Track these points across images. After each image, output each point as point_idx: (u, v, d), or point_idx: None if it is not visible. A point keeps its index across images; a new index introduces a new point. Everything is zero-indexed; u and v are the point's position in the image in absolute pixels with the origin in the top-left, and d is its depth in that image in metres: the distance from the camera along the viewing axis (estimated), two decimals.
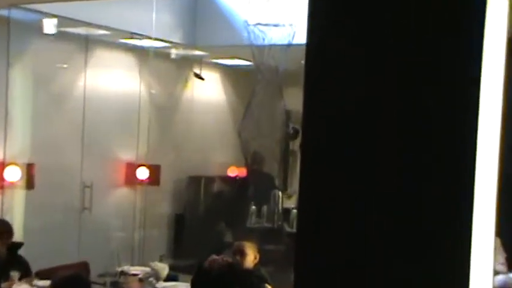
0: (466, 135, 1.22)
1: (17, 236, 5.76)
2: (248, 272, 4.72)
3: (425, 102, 1.26)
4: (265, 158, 8.07)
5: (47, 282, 4.21)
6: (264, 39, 7.27)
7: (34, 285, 4.44)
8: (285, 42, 7.20)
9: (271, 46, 7.28)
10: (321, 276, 1.31)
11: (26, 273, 4.51)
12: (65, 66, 8.00)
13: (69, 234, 7.94)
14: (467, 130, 1.22)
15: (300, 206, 1.41)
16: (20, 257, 4.65)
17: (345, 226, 1.30)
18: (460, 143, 1.23)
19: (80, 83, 8.13)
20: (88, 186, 8.18)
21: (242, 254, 5.01)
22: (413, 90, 1.28)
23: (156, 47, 8.72)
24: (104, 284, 4.78)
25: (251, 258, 5.07)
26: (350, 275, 1.29)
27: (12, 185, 7.17)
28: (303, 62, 1.58)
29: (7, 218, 6.70)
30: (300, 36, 6.86)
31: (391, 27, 1.31)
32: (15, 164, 7.15)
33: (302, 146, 1.48)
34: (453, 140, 1.23)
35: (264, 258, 7.32)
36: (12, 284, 4.33)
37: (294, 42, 7.07)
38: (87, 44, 8.13)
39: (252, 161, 8.02)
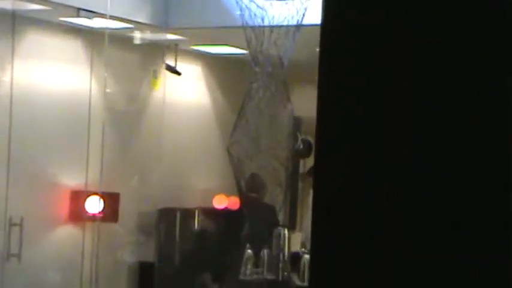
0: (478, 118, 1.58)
1: None
2: None
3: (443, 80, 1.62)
4: (266, 183, 8.16)
5: None
6: (263, 19, 7.35)
7: None
8: (293, 22, 7.30)
9: (274, 28, 7.35)
10: (334, 245, 1.69)
11: None
12: None
13: None
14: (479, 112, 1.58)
15: (314, 176, 1.73)
16: None
17: (356, 196, 1.67)
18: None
19: (5, 78, 8.12)
20: (16, 224, 8.15)
21: None
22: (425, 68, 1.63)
23: (113, 29, 8.71)
24: None
25: None
26: (361, 245, 1.66)
27: None
28: (317, 49, 1.69)
29: None
30: (313, 13, 6.80)
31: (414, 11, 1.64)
32: None
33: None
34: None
35: None
36: None
37: (305, 22, 7.18)
38: (13, 23, 8.07)
39: (248, 187, 8.11)
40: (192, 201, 9.94)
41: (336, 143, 1.71)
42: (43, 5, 7.84)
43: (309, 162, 9.31)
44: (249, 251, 8.15)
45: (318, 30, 1.68)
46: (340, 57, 1.68)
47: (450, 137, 1.62)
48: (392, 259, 1.64)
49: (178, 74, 9.47)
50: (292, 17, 7.27)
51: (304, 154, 8.71)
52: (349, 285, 1.69)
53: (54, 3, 7.78)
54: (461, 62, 1.63)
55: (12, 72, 8.09)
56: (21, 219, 8.14)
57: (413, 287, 1.64)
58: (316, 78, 1.68)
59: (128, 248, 9.59)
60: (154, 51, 9.51)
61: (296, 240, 8.88)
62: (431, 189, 1.62)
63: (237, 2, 7.39)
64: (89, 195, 8.75)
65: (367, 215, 1.66)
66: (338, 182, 1.70)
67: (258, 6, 7.29)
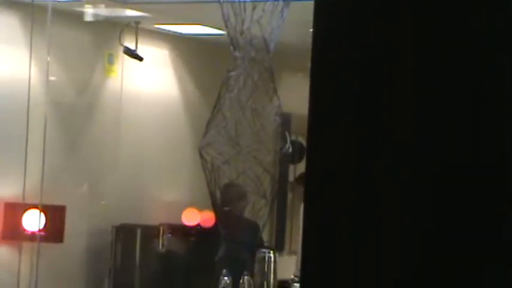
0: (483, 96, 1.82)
1: None
2: None
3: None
4: (247, 193, 8.16)
5: None
6: None
7: None
8: None
9: (257, 3, 7.33)
10: (328, 219, 1.92)
11: None
12: None
13: None
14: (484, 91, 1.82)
15: (308, 146, 1.91)
16: None
17: (351, 169, 1.89)
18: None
19: None
20: None
21: None
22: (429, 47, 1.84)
23: (59, 1, 8.80)
24: None
25: None
26: (356, 218, 1.90)
27: None
28: (311, 30, 1.80)
29: None
30: None
31: None
32: None
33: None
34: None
35: None
36: None
37: None
38: None
39: (225, 198, 8.11)
40: (155, 216, 10.02)
41: (330, 117, 1.87)
42: None
43: (300, 168, 9.27)
44: (226, 277, 8.01)
45: (311, 6, 1.74)
46: (337, 39, 1.78)
47: (449, 113, 1.83)
48: (388, 234, 1.87)
49: (140, 59, 9.46)
50: None
51: (294, 158, 8.73)
52: (344, 261, 1.90)
53: None
54: (463, 39, 1.83)
55: None
56: None
57: (409, 262, 1.85)
58: (309, 65, 1.73)
59: (76, 275, 9.65)
60: (110, 31, 9.54)
61: (284, 265, 8.80)
62: (432, 165, 1.85)
63: None
64: (27, 209, 8.78)
65: (362, 189, 1.88)
66: (332, 157, 1.88)
67: None
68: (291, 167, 9.79)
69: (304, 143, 8.42)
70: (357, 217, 1.90)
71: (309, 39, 1.74)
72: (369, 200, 1.90)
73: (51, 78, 8.99)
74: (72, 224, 9.10)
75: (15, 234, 8.86)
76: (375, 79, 1.87)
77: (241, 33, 7.33)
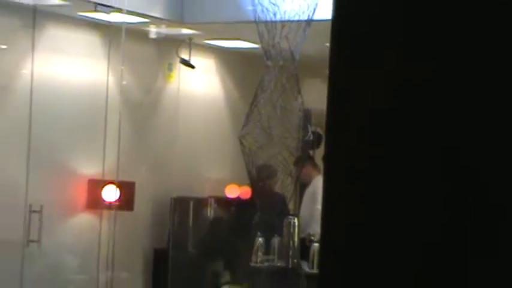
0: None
1: None
2: None
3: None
4: (277, 172, 8.15)
5: None
6: (275, 14, 7.32)
7: None
8: (304, 17, 7.25)
9: (285, 23, 7.33)
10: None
11: None
12: (4, 47, 8.09)
13: (8, 275, 7.98)
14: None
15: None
16: None
17: (366, 175, 1.65)
18: None
19: (25, 71, 8.15)
20: (36, 211, 8.16)
21: None
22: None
23: (130, 23, 8.73)
24: None
25: None
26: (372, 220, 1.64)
27: None
28: (327, 44, 1.67)
29: None
30: (324, 9, 6.81)
31: None
32: None
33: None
34: None
35: None
36: None
37: (316, 17, 7.15)
38: (35, 17, 8.10)
39: (260, 177, 8.10)
40: (205, 190, 9.96)
41: (344, 114, 1.70)
42: (62, 0, 7.86)
43: (318, 153, 9.14)
44: (260, 238, 8.13)
45: (328, 25, 1.66)
46: (351, 52, 1.66)
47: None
48: (408, 244, 1.62)
49: (192, 67, 9.45)
50: (303, 12, 7.23)
51: (314, 145, 8.65)
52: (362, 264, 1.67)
53: None
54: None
55: (32, 65, 8.11)
56: (41, 207, 8.14)
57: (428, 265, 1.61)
58: (326, 72, 1.66)
59: (143, 235, 9.62)
60: (169, 45, 9.49)
61: (304, 229, 8.60)
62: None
63: None
64: (105, 184, 8.78)
65: (377, 195, 1.65)
66: (348, 160, 1.68)
67: (270, 1, 7.27)
68: (312, 152, 9.62)
69: (321, 132, 8.47)
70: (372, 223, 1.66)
71: (326, 52, 1.64)
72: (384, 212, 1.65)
73: (124, 82, 8.99)
74: (140, 196, 9.12)
75: (96, 204, 8.86)
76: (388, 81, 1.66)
77: (273, 46, 7.33)
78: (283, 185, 8.18)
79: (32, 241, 8.14)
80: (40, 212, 8.15)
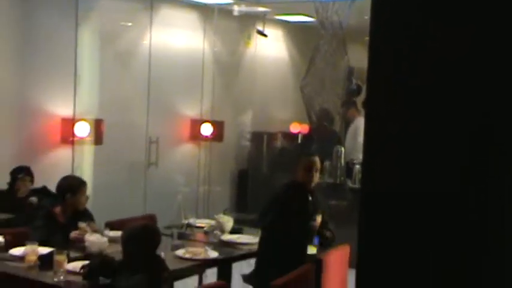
0: None
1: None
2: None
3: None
4: (331, 113, 8.10)
5: (118, 233, 4.36)
6: None
7: (105, 236, 4.61)
8: None
9: (335, 1, 7.29)
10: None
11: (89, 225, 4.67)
12: (130, 25, 8.06)
13: (135, 188, 8.08)
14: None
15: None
16: (86, 209, 4.82)
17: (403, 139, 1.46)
18: None
19: (145, 42, 8.18)
20: (154, 142, 8.26)
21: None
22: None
23: (220, 4, 8.76)
24: (171, 235, 4.90)
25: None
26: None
27: (81, 140, 7.32)
28: (366, 17, 1.63)
29: (77, 172, 6.95)
30: None
31: None
32: (85, 120, 7.28)
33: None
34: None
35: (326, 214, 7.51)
36: (81, 234, 4.50)
37: None
38: (152, 2, 8.15)
39: (318, 117, 8.05)
40: (275, 126, 9.93)
41: (384, 71, 1.54)
42: None
43: (359, 100, 8.93)
44: (317, 161, 8.17)
45: (368, 3, 1.58)
46: (386, 23, 1.55)
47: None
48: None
49: (266, 36, 9.39)
50: None
51: (356, 93, 8.46)
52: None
53: None
54: None
55: (150, 37, 8.19)
56: (157, 138, 8.26)
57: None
58: (367, 38, 1.58)
59: (230, 160, 9.66)
60: (248, 20, 9.40)
61: (348, 155, 8.52)
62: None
63: None
64: (202, 123, 8.85)
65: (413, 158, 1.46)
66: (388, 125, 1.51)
67: None
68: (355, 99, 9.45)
69: (361, 84, 8.31)
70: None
71: (367, 23, 1.54)
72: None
73: (215, 48, 9.07)
74: (227, 131, 9.13)
75: (196, 137, 8.91)
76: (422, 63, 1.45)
77: (326, 19, 7.33)
78: (334, 122, 8.17)
79: (151, 163, 8.27)
80: (157, 142, 8.27)
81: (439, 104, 1.43)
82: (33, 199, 5.95)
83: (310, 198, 4.79)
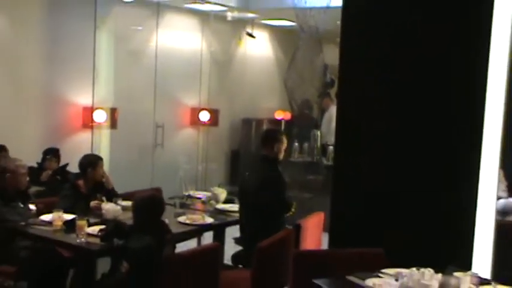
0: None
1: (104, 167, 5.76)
2: None
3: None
4: (309, 102, 8.03)
5: (129, 202, 4.38)
6: (305, 2, 7.25)
7: (118, 205, 4.62)
8: (324, 5, 7.16)
9: (312, 8, 7.24)
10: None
11: (107, 196, 4.69)
12: (140, 28, 8.04)
13: (144, 165, 8.07)
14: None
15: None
16: (104, 184, 4.82)
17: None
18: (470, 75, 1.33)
19: (152, 43, 8.15)
20: (160, 126, 8.25)
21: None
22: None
23: (215, 11, 8.70)
24: (174, 205, 4.93)
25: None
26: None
27: (99, 125, 7.35)
28: (338, 22, 1.82)
29: (95, 152, 6.93)
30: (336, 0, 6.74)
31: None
32: (102, 108, 7.30)
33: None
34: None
35: (305, 187, 7.43)
36: (99, 203, 4.53)
37: (332, 5, 7.03)
38: (158, 9, 8.13)
39: (299, 106, 7.98)
40: (262, 114, 9.87)
41: (354, 68, 1.56)
42: None
43: (332, 91, 8.96)
44: (296, 143, 8.10)
45: (339, 10, 1.67)
46: (354, 27, 1.64)
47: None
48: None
49: (254, 37, 9.38)
50: (323, 1, 7.14)
51: (330, 86, 8.35)
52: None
53: None
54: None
55: (156, 39, 8.16)
56: (163, 124, 8.24)
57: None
58: (338, 40, 1.64)
59: (224, 142, 9.60)
60: (239, 24, 9.36)
61: (324, 138, 8.47)
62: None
63: None
64: (201, 110, 8.80)
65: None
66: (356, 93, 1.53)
67: None
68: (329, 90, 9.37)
69: (334, 78, 8.10)
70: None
71: (339, 27, 1.56)
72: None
73: (212, 48, 9.00)
74: (222, 118, 9.06)
75: (196, 122, 8.85)
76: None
77: (305, 23, 7.27)
78: (312, 110, 8.10)
79: (158, 145, 8.25)
80: (162, 126, 8.25)
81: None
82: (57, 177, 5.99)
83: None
